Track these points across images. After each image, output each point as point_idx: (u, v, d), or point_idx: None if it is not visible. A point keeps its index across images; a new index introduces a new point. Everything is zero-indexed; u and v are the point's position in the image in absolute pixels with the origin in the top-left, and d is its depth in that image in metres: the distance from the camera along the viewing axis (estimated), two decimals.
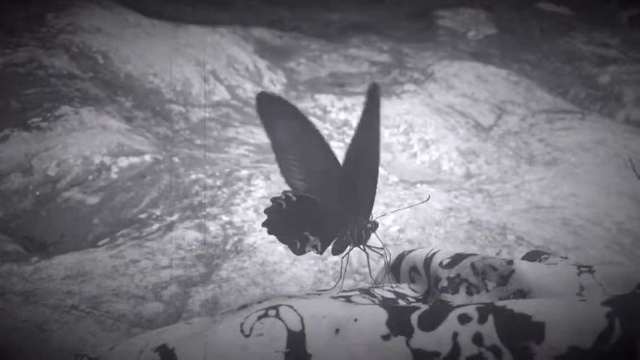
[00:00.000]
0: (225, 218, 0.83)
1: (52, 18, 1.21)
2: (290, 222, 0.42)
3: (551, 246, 0.83)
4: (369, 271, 0.45)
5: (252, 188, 0.90)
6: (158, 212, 0.84)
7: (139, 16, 1.32)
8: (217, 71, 1.24)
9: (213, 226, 0.81)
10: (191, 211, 0.84)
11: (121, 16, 1.29)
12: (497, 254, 0.81)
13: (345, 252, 0.44)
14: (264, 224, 0.43)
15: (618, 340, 0.31)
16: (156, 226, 0.82)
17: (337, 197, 0.42)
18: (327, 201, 0.42)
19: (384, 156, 1.06)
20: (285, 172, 0.42)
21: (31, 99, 1.00)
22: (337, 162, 0.41)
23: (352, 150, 0.41)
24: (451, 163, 1.12)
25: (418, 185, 1.01)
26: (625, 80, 1.45)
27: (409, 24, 1.67)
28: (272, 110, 0.41)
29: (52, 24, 1.20)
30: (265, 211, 0.43)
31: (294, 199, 0.41)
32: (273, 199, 0.42)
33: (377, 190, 0.43)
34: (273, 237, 0.81)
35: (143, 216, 0.84)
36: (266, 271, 0.74)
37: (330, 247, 0.44)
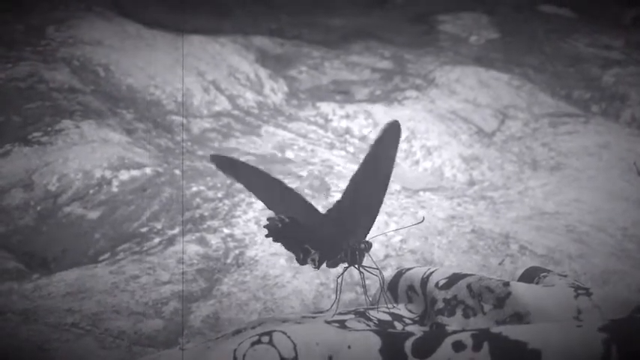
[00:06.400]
0: (226, 231, 0.83)
1: (53, 31, 1.21)
2: (290, 236, 0.43)
3: (555, 255, 0.82)
4: (365, 292, 0.45)
5: (253, 200, 0.89)
6: (159, 226, 0.84)
7: (139, 26, 1.32)
8: (218, 81, 1.24)
9: (214, 240, 0.81)
10: (192, 224, 0.84)
11: (121, 27, 1.29)
12: (499, 264, 0.80)
13: (340, 268, 0.44)
14: (267, 235, 0.44)
15: None
16: (157, 240, 0.82)
17: (326, 224, 0.42)
18: (318, 225, 0.42)
19: None
20: (269, 206, 0.43)
21: (32, 113, 1.00)
22: (309, 205, 0.42)
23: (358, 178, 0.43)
24: (454, 169, 1.11)
25: (421, 193, 1.00)
26: (629, 82, 1.44)
27: (410, 29, 1.66)
28: (228, 166, 0.42)
29: (53, 37, 1.20)
30: (265, 227, 0.44)
31: (287, 220, 0.41)
32: (269, 219, 0.43)
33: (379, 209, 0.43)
34: (274, 249, 0.81)
35: (144, 230, 0.84)
36: (267, 285, 0.74)
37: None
